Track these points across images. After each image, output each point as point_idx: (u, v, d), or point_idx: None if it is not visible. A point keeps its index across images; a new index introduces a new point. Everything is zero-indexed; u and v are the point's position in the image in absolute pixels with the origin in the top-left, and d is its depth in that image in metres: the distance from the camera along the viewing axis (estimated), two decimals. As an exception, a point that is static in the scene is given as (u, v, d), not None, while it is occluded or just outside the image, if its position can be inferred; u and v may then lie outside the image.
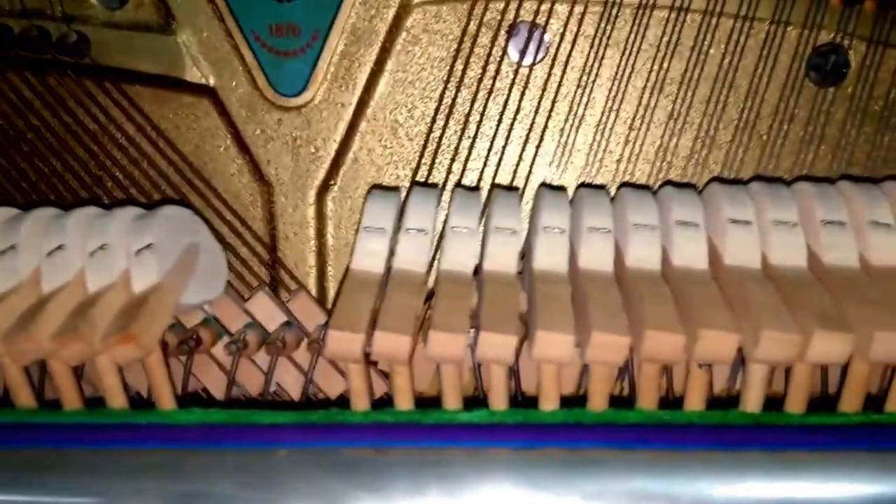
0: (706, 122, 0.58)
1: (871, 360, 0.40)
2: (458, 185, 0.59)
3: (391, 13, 0.59)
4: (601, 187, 0.56)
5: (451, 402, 0.44)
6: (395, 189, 0.53)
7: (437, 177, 0.60)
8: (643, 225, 0.46)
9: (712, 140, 0.58)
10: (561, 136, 0.59)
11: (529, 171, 0.60)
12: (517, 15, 0.58)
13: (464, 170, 0.60)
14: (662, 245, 0.47)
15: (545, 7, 0.58)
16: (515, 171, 0.60)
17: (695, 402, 0.43)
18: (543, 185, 0.57)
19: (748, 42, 0.57)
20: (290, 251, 0.62)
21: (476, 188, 0.59)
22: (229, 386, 0.54)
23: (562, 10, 0.58)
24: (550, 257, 0.46)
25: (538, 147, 0.59)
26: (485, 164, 0.60)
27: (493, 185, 0.59)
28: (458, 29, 0.59)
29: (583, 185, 0.58)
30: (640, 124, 0.59)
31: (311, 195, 0.62)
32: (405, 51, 0.60)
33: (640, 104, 0.58)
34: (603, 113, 0.59)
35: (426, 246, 0.48)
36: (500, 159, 0.60)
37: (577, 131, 0.59)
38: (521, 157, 0.60)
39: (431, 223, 0.48)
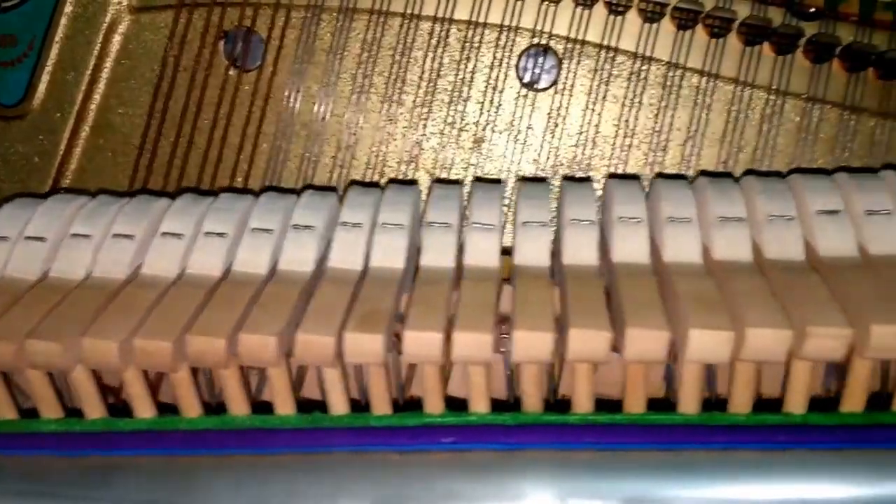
0: (416, 124, 0.58)
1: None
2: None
3: (105, 21, 0.59)
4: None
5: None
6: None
7: (156, 184, 0.60)
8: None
9: (425, 140, 0.58)
10: (275, 142, 0.59)
11: (247, 178, 0.60)
12: (221, 21, 0.58)
13: (181, 177, 0.60)
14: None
15: (255, 13, 0.58)
16: (233, 177, 0.60)
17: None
18: (613, 175, 0.56)
19: (449, 43, 0.57)
20: (19, 263, 0.62)
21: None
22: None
23: (271, 14, 0.58)
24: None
25: (253, 154, 0.59)
26: (201, 172, 0.60)
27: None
28: (172, 36, 0.59)
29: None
30: (353, 127, 0.58)
31: (39, 206, 0.61)
32: (122, 59, 0.60)
33: (349, 108, 0.58)
34: (314, 118, 0.59)
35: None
36: (217, 167, 0.59)
37: (290, 138, 0.59)
38: (237, 164, 0.59)
39: (52, 232, 0.48)
